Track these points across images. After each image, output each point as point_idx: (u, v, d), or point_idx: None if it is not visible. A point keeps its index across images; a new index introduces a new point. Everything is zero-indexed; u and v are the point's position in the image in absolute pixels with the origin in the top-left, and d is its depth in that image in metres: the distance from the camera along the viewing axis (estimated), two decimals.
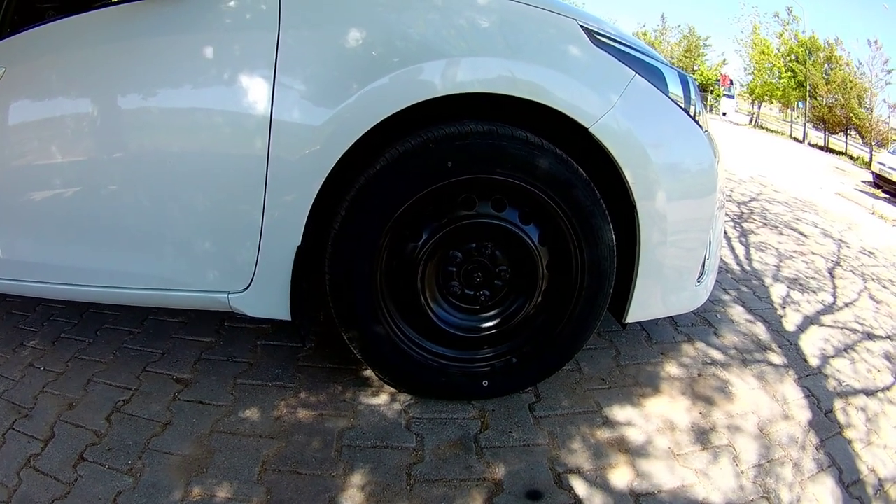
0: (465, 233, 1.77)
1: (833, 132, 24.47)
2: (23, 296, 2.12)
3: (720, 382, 2.19)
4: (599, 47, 1.72)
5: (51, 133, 1.75)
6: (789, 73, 26.63)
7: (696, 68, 37.46)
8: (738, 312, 2.90)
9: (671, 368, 2.24)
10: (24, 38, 1.77)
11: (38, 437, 1.68)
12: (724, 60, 39.14)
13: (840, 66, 24.21)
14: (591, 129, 1.67)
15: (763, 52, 28.37)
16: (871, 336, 2.93)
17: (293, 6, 1.60)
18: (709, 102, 32.34)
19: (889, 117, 22.22)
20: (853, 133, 23.88)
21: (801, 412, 2.08)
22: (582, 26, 1.72)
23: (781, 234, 5.00)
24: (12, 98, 1.78)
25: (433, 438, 1.75)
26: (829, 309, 3.23)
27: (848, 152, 22.70)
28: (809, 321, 2.96)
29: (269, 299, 1.76)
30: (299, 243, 1.68)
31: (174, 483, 1.52)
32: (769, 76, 28.45)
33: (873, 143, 20.90)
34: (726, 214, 4.55)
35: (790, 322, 2.89)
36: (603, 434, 1.82)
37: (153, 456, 1.61)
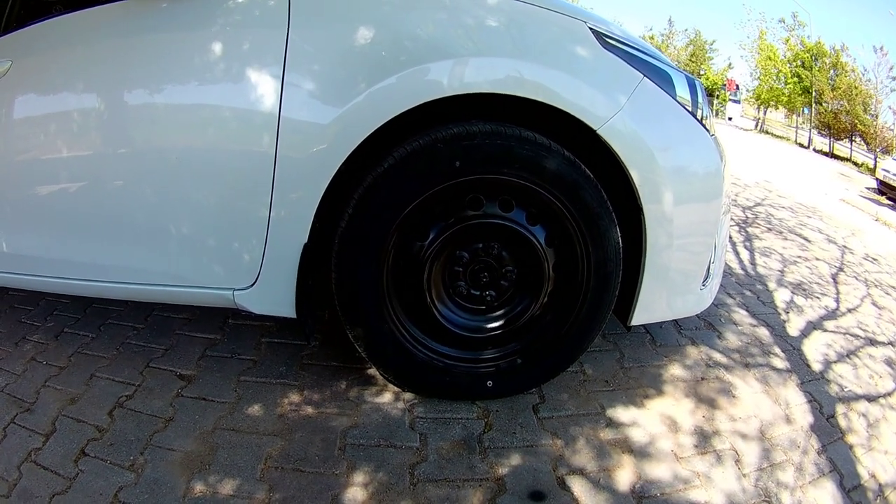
0: (471, 233, 1.76)
1: (838, 138, 24.41)
2: (27, 290, 2.13)
3: (723, 386, 2.19)
4: (608, 49, 1.72)
5: (57, 128, 1.76)
6: (795, 79, 26.60)
7: (702, 72, 37.40)
8: (741, 316, 2.90)
9: (675, 371, 2.24)
10: (30, 32, 1.78)
11: (39, 431, 1.68)
12: (731, 65, 39.11)
13: (846, 72, 24.14)
14: (599, 131, 1.67)
15: (769, 58, 28.32)
16: (873, 342, 2.93)
17: (302, 4, 1.61)
18: (715, 107, 32.30)
19: (894, 124, 22.18)
20: (858, 139, 23.81)
21: (803, 416, 2.07)
22: (591, 28, 1.72)
23: (786, 239, 4.99)
24: (19, 92, 1.78)
25: (437, 438, 1.75)
26: (832, 314, 3.23)
27: (853, 159, 22.63)
28: (812, 326, 2.95)
29: (275, 297, 1.76)
30: (306, 241, 1.68)
31: (176, 479, 1.52)
32: (775, 81, 28.40)
33: (878, 150, 20.85)
34: (731, 219, 4.55)
35: (793, 327, 2.89)
36: (606, 436, 1.82)
37: (155, 452, 1.62)
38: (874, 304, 3.64)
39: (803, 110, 27.40)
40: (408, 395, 1.93)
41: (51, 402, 1.81)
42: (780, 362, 2.46)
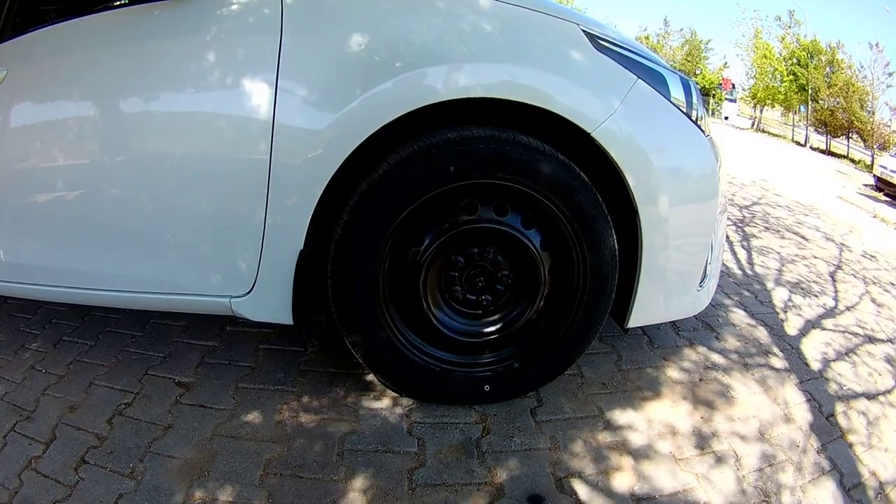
0: (467, 238, 1.77)
1: (835, 136, 24.47)
2: (25, 298, 2.13)
3: (722, 386, 2.19)
4: (602, 52, 1.72)
5: (53, 136, 1.76)
6: (791, 77, 26.66)
7: (698, 72, 37.43)
8: (739, 317, 2.90)
9: (673, 373, 2.24)
10: (26, 40, 1.78)
11: (39, 439, 1.68)
12: (726, 64, 39.19)
13: (842, 69, 24.22)
14: (594, 134, 1.67)
15: (765, 56, 28.37)
16: (872, 339, 2.93)
17: (296, 10, 1.61)
18: (711, 106, 32.32)
19: (891, 120, 22.20)
20: (855, 136, 23.89)
21: (803, 416, 2.08)
22: (584, 31, 1.72)
23: (783, 238, 5.00)
24: (15, 101, 1.78)
25: (435, 443, 1.75)
26: (831, 313, 3.23)
27: (850, 156, 22.70)
28: (811, 325, 2.96)
29: (272, 303, 1.76)
30: (302, 248, 1.68)
31: (176, 486, 1.52)
32: (771, 80, 28.45)
33: (875, 147, 20.90)
34: (728, 219, 4.55)
35: (792, 326, 2.89)
36: (604, 438, 1.82)
37: (155, 459, 1.61)
38: (873, 301, 3.65)
39: (799, 108, 27.48)
40: (405, 401, 1.93)
41: (50, 410, 1.80)
42: (778, 362, 2.46)
